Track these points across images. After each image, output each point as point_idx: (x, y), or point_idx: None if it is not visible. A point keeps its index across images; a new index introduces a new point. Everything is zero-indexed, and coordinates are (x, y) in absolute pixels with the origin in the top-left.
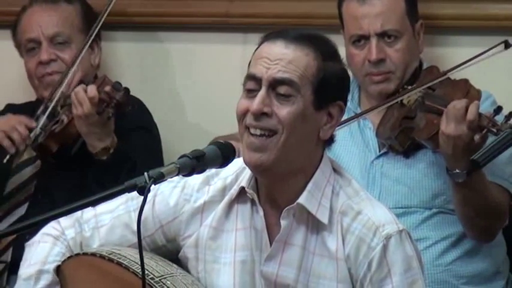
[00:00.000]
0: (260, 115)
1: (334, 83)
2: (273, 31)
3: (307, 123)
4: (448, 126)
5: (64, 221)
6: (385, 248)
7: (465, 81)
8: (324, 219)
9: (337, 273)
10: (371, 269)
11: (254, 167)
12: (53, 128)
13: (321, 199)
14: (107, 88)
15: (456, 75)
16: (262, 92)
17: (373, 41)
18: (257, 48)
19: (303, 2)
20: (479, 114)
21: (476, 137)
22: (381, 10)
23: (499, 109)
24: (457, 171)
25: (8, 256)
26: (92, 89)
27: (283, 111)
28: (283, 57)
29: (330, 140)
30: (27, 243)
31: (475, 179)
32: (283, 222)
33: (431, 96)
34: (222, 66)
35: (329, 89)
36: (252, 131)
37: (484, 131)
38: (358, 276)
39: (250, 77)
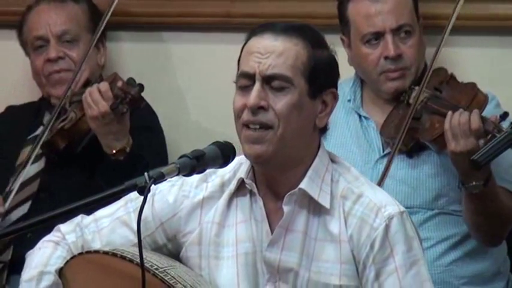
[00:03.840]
0: (257, 109)
1: (325, 70)
2: (259, 25)
3: (304, 113)
4: (457, 144)
5: (64, 227)
6: (387, 228)
7: (473, 85)
8: (326, 204)
9: (340, 255)
10: (374, 249)
11: (254, 159)
12: (61, 125)
13: (322, 185)
14: (120, 84)
15: (457, 75)
16: (257, 86)
17: (389, 37)
18: (245, 43)
19: (302, 2)
20: (485, 119)
21: (481, 142)
22: (393, 6)
23: (505, 115)
24: (474, 183)
25: (8, 255)
26: (104, 85)
27: (279, 103)
28: (273, 50)
29: (324, 129)
30: (28, 253)
31: (489, 188)
32: (285, 208)
33: (437, 98)
34: (226, 67)
35: (321, 77)
36: (251, 126)
37: (489, 136)
38: (360, 257)
39: (243, 75)
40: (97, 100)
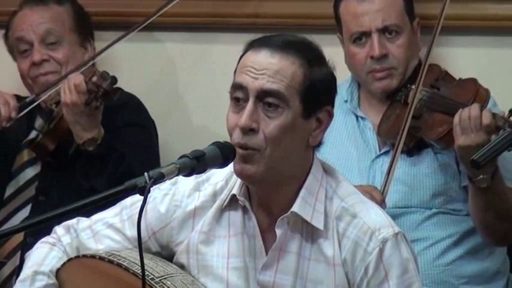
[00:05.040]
0: (248, 130)
1: (321, 89)
2: (256, 39)
3: (296, 133)
4: (467, 138)
5: (60, 229)
6: (381, 252)
7: (474, 81)
8: (320, 225)
9: (335, 279)
10: (368, 273)
11: (244, 178)
12: (48, 126)
13: (315, 204)
14: (94, 78)
15: (456, 75)
16: (249, 105)
17: (375, 37)
18: (242, 56)
19: (303, 2)
20: (494, 115)
21: (493, 138)
22: (381, 6)
23: None
24: (482, 176)
25: (16, 259)
26: (78, 77)
27: (271, 125)
28: (269, 67)
29: (319, 143)
30: (26, 254)
31: (497, 181)
32: (278, 231)
33: (438, 96)
34: (224, 67)
35: (316, 96)
36: (240, 147)
37: (500, 131)
38: (355, 280)
39: (237, 86)
40: (71, 88)
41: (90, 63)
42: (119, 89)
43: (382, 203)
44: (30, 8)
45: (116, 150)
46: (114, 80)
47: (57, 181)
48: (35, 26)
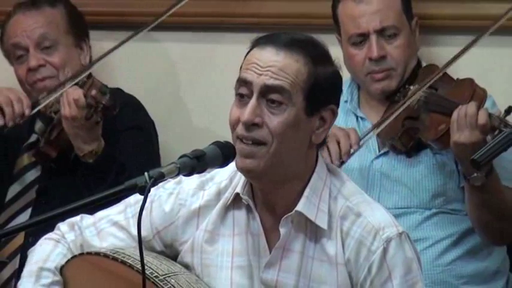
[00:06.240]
0: (251, 125)
1: (326, 88)
2: (262, 36)
3: (299, 131)
4: (461, 135)
5: (63, 226)
6: (385, 251)
7: (470, 81)
8: (323, 225)
9: (337, 279)
10: (371, 272)
11: (245, 173)
12: (49, 135)
13: (319, 204)
14: (93, 92)
15: (455, 75)
16: (253, 101)
17: (373, 38)
18: (248, 52)
19: (303, 2)
20: (491, 115)
21: (489, 138)
22: (378, 7)
23: (510, 109)
24: (476, 174)
25: (16, 262)
26: (78, 92)
27: (274, 121)
28: (273, 64)
29: (322, 142)
30: (30, 250)
31: (492, 180)
32: (282, 230)
33: (435, 96)
34: (224, 67)
35: (321, 94)
36: (244, 141)
37: (496, 132)
38: (358, 279)
39: (241, 81)
40: (70, 102)
41: (90, 69)
42: (117, 103)
43: (355, 145)
44: (23, 12)
45: (116, 161)
46: (113, 94)
47: (58, 184)
48: (29, 31)
